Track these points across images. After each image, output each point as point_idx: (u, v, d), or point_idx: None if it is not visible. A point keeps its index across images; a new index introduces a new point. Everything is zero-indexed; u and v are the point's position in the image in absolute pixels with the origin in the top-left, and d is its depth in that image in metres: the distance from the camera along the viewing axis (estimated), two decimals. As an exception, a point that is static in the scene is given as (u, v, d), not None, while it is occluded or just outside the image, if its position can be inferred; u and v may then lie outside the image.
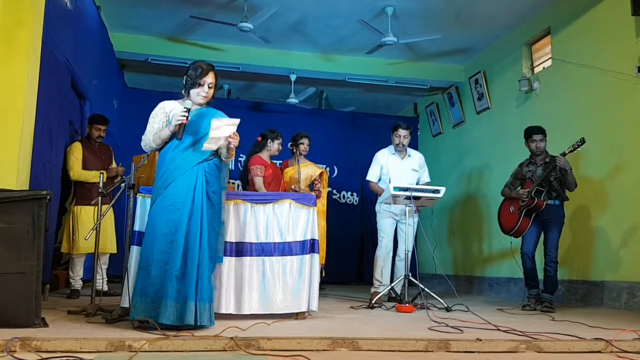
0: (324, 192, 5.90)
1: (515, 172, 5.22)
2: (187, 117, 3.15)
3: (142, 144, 3.29)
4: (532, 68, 6.97)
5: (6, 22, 3.83)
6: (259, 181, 5.18)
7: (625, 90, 5.25)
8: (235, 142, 3.19)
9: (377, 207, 5.49)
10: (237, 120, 3.16)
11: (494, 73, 7.56)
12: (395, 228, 5.43)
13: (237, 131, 3.38)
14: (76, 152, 5.04)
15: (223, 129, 3.13)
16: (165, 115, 3.28)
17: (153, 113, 3.32)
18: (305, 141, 5.72)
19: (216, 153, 3.32)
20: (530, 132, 5.07)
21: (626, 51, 5.27)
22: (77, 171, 4.99)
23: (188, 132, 3.21)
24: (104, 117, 5.30)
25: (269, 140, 5.27)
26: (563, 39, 6.25)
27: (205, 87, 3.26)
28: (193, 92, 3.27)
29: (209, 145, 3.14)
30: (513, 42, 7.14)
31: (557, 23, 6.34)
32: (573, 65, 5.97)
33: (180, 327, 2.96)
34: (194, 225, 3.11)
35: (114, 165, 5.32)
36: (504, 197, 5.29)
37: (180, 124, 3.14)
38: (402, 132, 5.36)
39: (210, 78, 3.28)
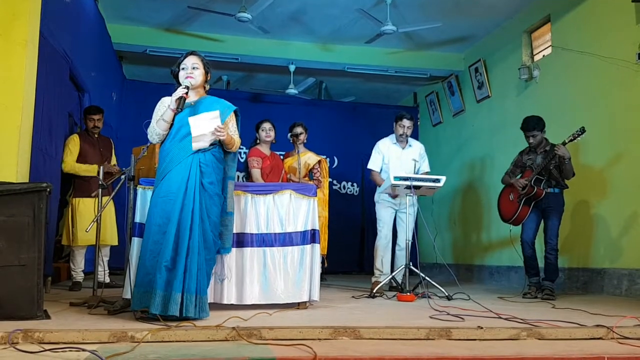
0: (325, 181, 5.89)
1: (516, 160, 5.21)
2: (187, 93, 3.19)
3: (149, 136, 3.30)
4: (532, 56, 6.94)
5: (3, 14, 3.80)
6: (256, 173, 5.20)
7: (625, 77, 5.23)
8: (222, 135, 3.19)
9: (376, 197, 5.49)
10: (216, 112, 3.18)
11: (494, 61, 7.53)
12: (394, 217, 5.44)
13: (236, 122, 3.39)
14: (71, 144, 5.02)
15: (204, 125, 3.15)
16: (165, 108, 3.28)
17: (155, 109, 3.34)
18: (298, 129, 5.69)
19: (217, 143, 3.31)
20: (523, 129, 5.02)
21: (626, 38, 5.24)
22: (68, 164, 4.96)
23: (183, 122, 3.22)
24: (96, 106, 5.28)
25: (257, 132, 5.36)
26: (563, 26, 6.22)
27: (189, 69, 3.28)
28: (181, 78, 3.30)
29: (196, 145, 3.18)
30: (513, 30, 7.11)
31: (557, 10, 6.31)
32: (573, 53, 5.94)
33: (177, 318, 2.96)
34: (185, 216, 3.10)
35: (113, 160, 5.30)
36: (503, 185, 5.29)
37: (179, 98, 3.15)
38: (406, 123, 5.35)
39: (191, 60, 3.31)
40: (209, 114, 3.18)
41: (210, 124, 3.15)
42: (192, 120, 3.16)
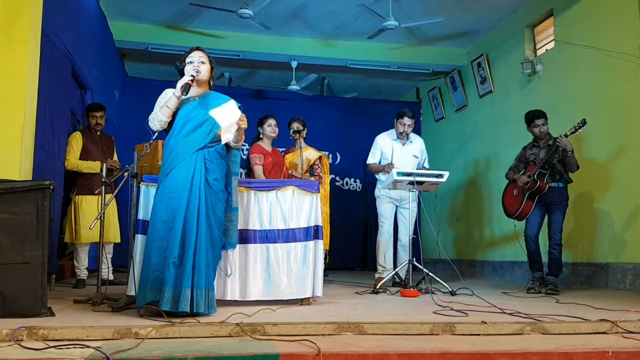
0: (326, 177, 5.88)
1: (519, 155, 5.20)
2: (192, 81, 3.20)
3: (150, 123, 3.25)
4: (535, 50, 6.91)
5: (5, 12, 3.80)
6: (258, 170, 5.19)
7: (628, 71, 5.21)
8: (243, 124, 3.24)
9: (377, 193, 5.48)
10: (232, 101, 3.26)
11: (497, 56, 7.50)
12: (395, 213, 5.43)
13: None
14: (74, 141, 5.03)
15: (227, 115, 3.19)
16: (170, 96, 3.28)
17: (158, 100, 3.33)
18: (295, 125, 5.66)
19: (220, 140, 3.31)
20: (532, 118, 5.03)
21: (629, 32, 5.22)
22: (71, 161, 4.97)
23: (188, 118, 3.22)
24: (98, 103, 5.29)
25: (260, 127, 5.33)
26: (565, 20, 6.19)
27: (195, 62, 3.28)
28: (187, 72, 3.28)
29: (226, 137, 3.23)
30: (515, 25, 7.08)
31: (560, 4, 6.28)
32: (576, 47, 5.92)
33: (182, 314, 2.97)
34: (191, 212, 3.10)
35: (115, 157, 5.31)
36: (508, 181, 5.27)
37: (184, 85, 3.16)
38: (407, 121, 5.33)
39: (198, 54, 3.32)
40: (227, 105, 3.23)
41: (232, 114, 3.20)
42: (213, 112, 3.19)
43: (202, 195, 3.15)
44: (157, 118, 3.23)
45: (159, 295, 2.99)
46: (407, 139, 5.46)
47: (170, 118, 3.25)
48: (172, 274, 3.01)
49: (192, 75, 3.22)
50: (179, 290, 2.99)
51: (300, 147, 5.57)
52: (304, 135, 5.73)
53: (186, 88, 3.17)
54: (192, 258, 3.05)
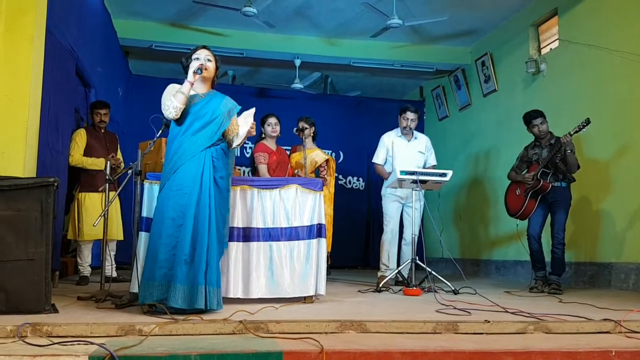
0: (331, 179, 5.88)
1: (521, 155, 5.19)
2: (203, 65, 3.25)
3: (165, 110, 3.23)
4: (539, 49, 6.89)
5: (10, 9, 3.81)
6: (262, 168, 5.20)
7: (633, 70, 5.19)
8: (253, 131, 3.36)
9: (383, 191, 5.48)
10: (252, 110, 3.34)
11: (501, 55, 7.49)
12: (401, 212, 5.43)
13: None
14: (78, 138, 5.04)
15: (247, 122, 3.32)
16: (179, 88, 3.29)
17: (165, 93, 3.30)
18: (301, 124, 5.66)
19: (223, 138, 3.33)
20: (529, 119, 5.03)
21: (634, 31, 5.20)
22: (75, 157, 4.98)
23: (197, 116, 3.23)
24: (102, 101, 5.30)
25: (262, 126, 5.34)
26: (570, 19, 6.17)
27: (202, 59, 3.30)
28: (193, 67, 3.27)
29: (237, 141, 3.33)
30: (520, 23, 7.06)
31: (564, 3, 6.26)
32: (580, 46, 5.90)
33: (188, 311, 2.98)
34: (202, 210, 3.12)
35: (119, 154, 5.32)
36: (510, 181, 5.26)
37: (197, 68, 3.20)
38: (410, 115, 5.34)
39: (204, 52, 3.34)
40: (245, 113, 3.32)
41: (247, 122, 3.30)
42: (241, 121, 3.33)
43: (211, 193, 3.17)
44: (172, 105, 3.19)
45: (167, 293, 3.00)
46: (412, 135, 5.46)
47: (185, 105, 3.23)
48: (184, 271, 3.03)
49: (201, 64, 3.25)
50: (195, 288, 3.02)
51: (304, 146, 5.57)
52: (311, 135, 5.73)
53: (198, 71, 3.21)
54: (205, 256, 3.08)
